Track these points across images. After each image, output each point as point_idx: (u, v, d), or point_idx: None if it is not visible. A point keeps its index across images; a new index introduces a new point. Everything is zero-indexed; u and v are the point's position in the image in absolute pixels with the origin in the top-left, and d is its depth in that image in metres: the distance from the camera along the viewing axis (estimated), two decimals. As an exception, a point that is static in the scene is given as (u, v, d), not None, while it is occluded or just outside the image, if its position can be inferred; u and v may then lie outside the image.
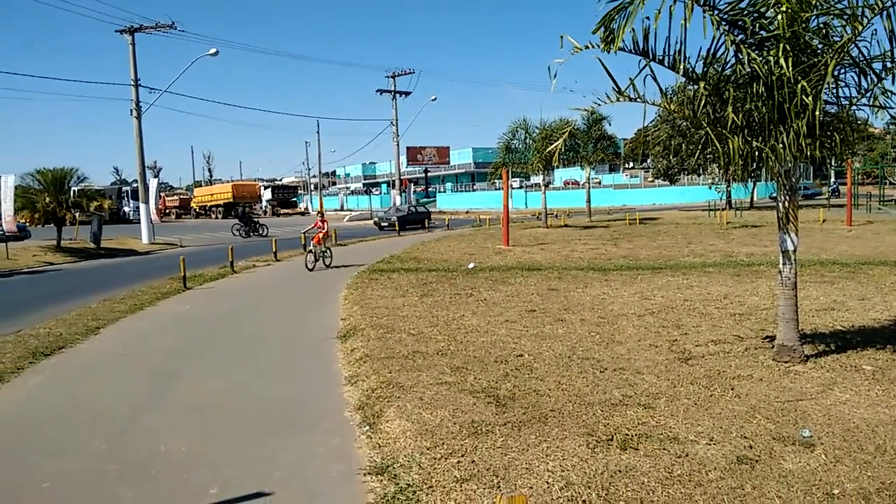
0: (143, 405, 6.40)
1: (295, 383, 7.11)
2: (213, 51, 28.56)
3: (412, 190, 67.11)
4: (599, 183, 66.75)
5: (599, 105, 6.23)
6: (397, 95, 50.76)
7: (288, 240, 26.34)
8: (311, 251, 17.83)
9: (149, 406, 6.39)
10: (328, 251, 18.41)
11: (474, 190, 77.34)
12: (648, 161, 63.40)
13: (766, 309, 9.69)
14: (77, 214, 26.09)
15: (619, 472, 4.33)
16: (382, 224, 37.34)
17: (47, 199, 24.42)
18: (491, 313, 10.11)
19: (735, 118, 5.82)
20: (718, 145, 5.97)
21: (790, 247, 6.63)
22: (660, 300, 10.87)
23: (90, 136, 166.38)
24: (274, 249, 21.20)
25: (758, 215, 35.27)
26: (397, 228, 33.73)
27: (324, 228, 18.05)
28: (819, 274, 13.17)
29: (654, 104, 6.22)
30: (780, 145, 5.99)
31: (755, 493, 4.01)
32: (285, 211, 67.27)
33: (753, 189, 44.59)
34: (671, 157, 43.69)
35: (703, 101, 6.02)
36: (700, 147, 6.79)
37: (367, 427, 5.48)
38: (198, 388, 7.00)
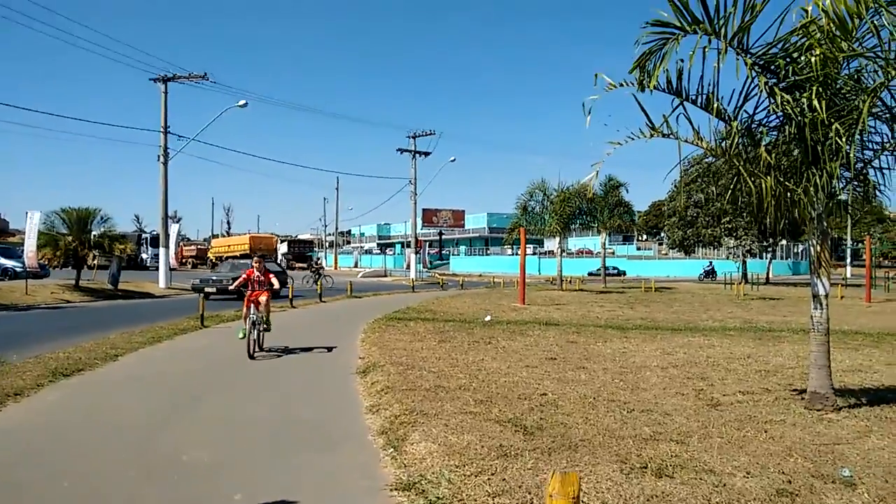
0: (164, 421, 6.33)
1: (315, 410, 7.01)
2: (242, 102, 29.45)
3: (426, 251, 67.56)
4: (613, 253, 66.88)
5: (633, 139, 6.35)
6: (417, 155, 51.70)
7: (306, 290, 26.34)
8: (251, 318, 10.40)
9: (171, 421, 6.32)
10: (267, 321, 10.89)
11: (488, 254, 77.72)
12: (663, 233, 63.74)
13: (792, 368, 9.53)
14: (97, 255, 26.39)
15: (656, 496, 4.20)
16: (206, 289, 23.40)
17: (69, 239, 24.78)
18: (511, 359, 10.00)
19: (768, 157, 5.91)
20: (751, 184, 6.03)
21: (822, 291, 6.58)
22: (682, 356, 10.72)
23: (114, 181, 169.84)
24: (290, 296, 21.26)
25: (774, 290, 35.04)
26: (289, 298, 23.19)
27: (267, 283, 10.88)
28: (843, 342, 12.96)
29: (686, 141, 6.33)
30: (813, 188, 6.05)
31: (799, 523, 3.86)
32: (300, 265, 67.72)
33: (769, 264, 44.52)
34: (687, 230, 43.92)
35: (735, 140, 6.12)
36: (729, 190, 6.84)
37: (392, 449, 5.37)
38: (220, 410, 6.92)
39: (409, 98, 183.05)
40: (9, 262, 29.26)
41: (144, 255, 50.76)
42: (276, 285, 11.74)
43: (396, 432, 5.75)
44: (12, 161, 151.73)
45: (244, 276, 11.11)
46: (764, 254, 46.13)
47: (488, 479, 4.46)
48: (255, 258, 11.48)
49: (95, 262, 26.70)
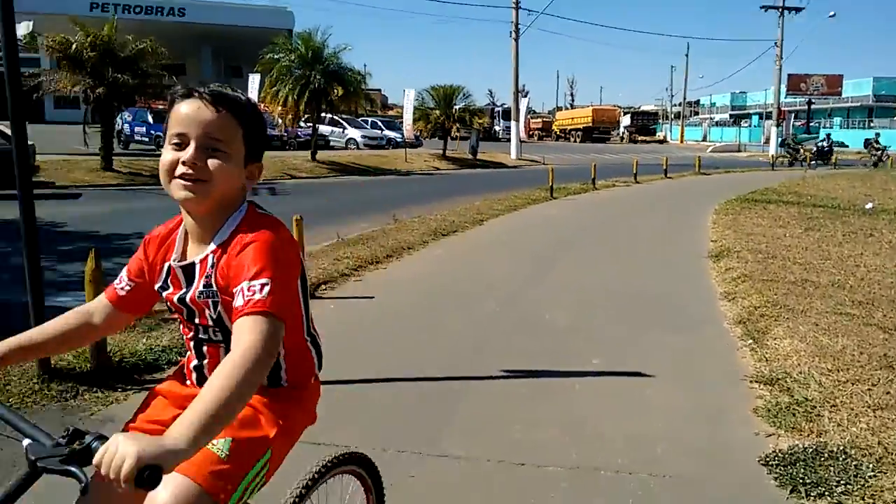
0: (526, 282, 7.03)
1: (666, 289, 7.02)
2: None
3: (791, 123, 59.31)
4: None
5: None
6: (786, 12, 44.32)
7: (650, 165, 25.61)
8: None
9: (531, 283, 6.99)
10: None
11: (871, 126, 65.05)
12: None
13: None
14: (459, 128, 29.33)
15: None
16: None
17: (437, 113, 27.90)
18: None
19: None
20: None
21: None
22: None
23: (469, 60, 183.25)
24: (634, 171, 20.97)
25: None
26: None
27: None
28: None
29: None
30: None
31: None
32: (643, 138, 65.66)
33: None
34: None
35: None
36: None
37: (751, 340, 5.13)
38: (572, 276, 7.41)
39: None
40: (392, 133, 34.25)
41: (497, 128, 54.52)
42: None
43: (756, 324, 5.46)
44: (383, 41, 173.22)
45: None
46: None
47: (868, 389, 4.01)
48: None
49: (458, 133, 29.74)
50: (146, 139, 24.19)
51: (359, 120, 35.25)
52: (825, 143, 34.12)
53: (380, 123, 36.80)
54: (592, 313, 5.94)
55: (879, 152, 31.59)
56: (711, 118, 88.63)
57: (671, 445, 3.43)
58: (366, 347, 4.85)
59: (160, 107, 23.49)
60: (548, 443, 3.43)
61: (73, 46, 15.66)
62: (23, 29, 35.33)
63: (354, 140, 32.52)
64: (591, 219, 12.28)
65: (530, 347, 4.96)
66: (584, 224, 11.59)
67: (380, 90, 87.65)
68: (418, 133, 30.66)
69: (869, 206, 14.11)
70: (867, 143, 32.92)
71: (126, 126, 24.27)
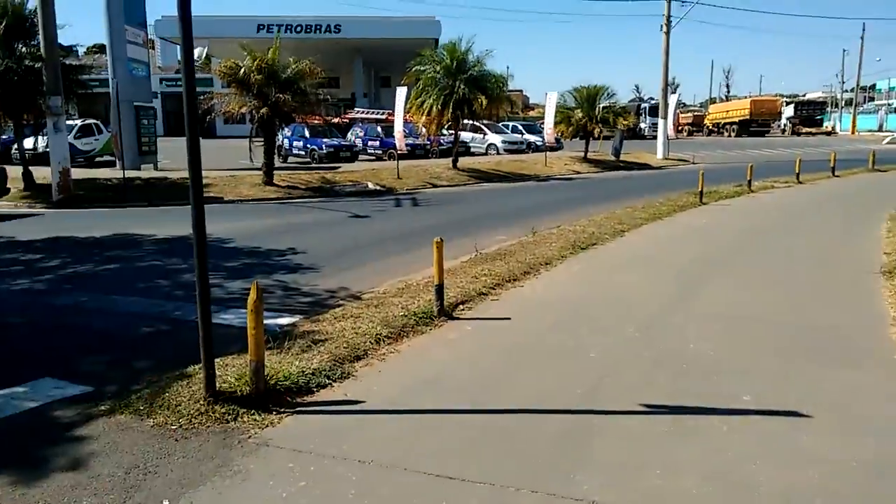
0: (670, 305, 6.74)
1: (828, 314, 6.44)
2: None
3: None
4: None
5: None
6: None
7: (814, 161, 23.49)
8: None
9: (674, 306, 6.69)
10: None
11: None
12: None
13: None
14: (602, 129, 28.54)
15: None
16: None
17: (580, 114, 27.35)
18: None
19: None
20: None
21: None
22: None
23: (615, 55, 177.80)
24: (796, 171, 19.32)
25: None
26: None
27: None
28: None
29: None
30: None
31: None
32: (807, 130, 60.18)
33: None
34: None
35: None
36: None
37: (931, 378, 4.60)
38: (722, 299, 6.99)
39: None
40: (532, 137, 34.09)
41: (643, 125, 52.46)
42: None
43: (937, 359, 4.88)
44: (528, 42, 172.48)
45: None
46: None
47: None
48: None
49: (601, 135, 28.95)
50: (302, 153, 26.04)
51: (499, 125, 35.47)
52: None
53: (520, 127, 36.79)
54: (742, 343, 5.58)
55: None
56: (890, 104, 79.47)
57: (829, 502, 3.17)
58: (503, 376, 4.90)
59: (315, 122, 25.20)
60: (689, 492, 3.29)
61: (241, 70, 17.18)
62: (197, 52, 39.41)
63: (495, 145, 32.78)
64: (745, 229, 11.48)
65: (673, 381, 4.76)
66: (735, 236, 10.86)
67: (521, 91, 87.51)
68: (559, 135, 30.23)
69: None
70: None
71: (285, 141, 26.21)
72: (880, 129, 60.82)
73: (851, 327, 5.98)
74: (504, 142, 33.24)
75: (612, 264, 8.75)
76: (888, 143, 42.23)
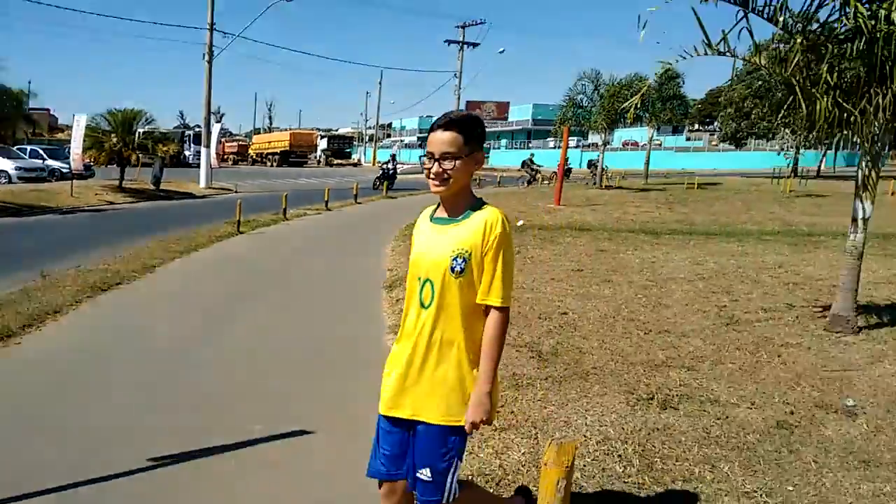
0: (195, 342, 6.64)
1: (337, 328, 7.25)
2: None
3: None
4: (661, 144, 64.73)
5: (685, 58, 5.98)
6: (466, 47, 49.82)
7: (342, 190, 26.43)
8: None
9: (199, 344, 6.62)
10: None
11: (528, 147, 76.16)
12: (716, 123, 60.95)
13: (821, 279, 9.34)
14: (141, 156, 26.81)
15: (657, 430, 4.29)
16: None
17: (114, 140, 25.19)
18: (537, 272, 10.03)
19: (829, 77, 5.55)
20: (804, 106, 5.70)
21: (861, 215, 6.36)
22: (712, 266, 10.58)
23: (159, 79, 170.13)
24: (325, 199, 21.44)
25: (825, 185, 33.76)
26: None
27: None
28: (882, 247, 12.56)
29: (744, 59, 5.98)
30: (871, 108, 5.68)
31: (791, 457, 3.95)
32: (338, 161, 67.84)
33: (822, 158, 42.50)
34: (741, 123, 42.07)
35: (796, 58, 5.70)
36: (778, 109, 6.53)
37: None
38: (253, 326, 7.21)
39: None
40: (55, 163, 30.06)
41: (187, 153, 51.29)
42: None
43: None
44: (60, 59, 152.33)
45: None
46: (819, 145, 43.81)
47: (497, 411, 4.58)
48: None
49: (140, 162, 27.13)
50: None
51: (14, 148, 30.26)
52: None
53: (41, 152, 32.05)
54: (262, 369, 5.84)
55: (534, 171, 36.82)
56: (401, 140, 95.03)
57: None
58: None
59: None
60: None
61: None
62: None
63: (6, 172, 27.82)
64: (277, 256, 12.18)
65: (185, 423, 4.68)
66: (268, 263, 11.44)
67: (48, 110, 76.28)
68: (90, 162, 27.29)
69: (520, 223, 16.38)
70: (524, 163, 38.04)
71: None
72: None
73: (353, 338, 6.84)
74: (19, 168, 28.51)
75: (136, 304, 8.21)
76: (401, 173, 50.25)
